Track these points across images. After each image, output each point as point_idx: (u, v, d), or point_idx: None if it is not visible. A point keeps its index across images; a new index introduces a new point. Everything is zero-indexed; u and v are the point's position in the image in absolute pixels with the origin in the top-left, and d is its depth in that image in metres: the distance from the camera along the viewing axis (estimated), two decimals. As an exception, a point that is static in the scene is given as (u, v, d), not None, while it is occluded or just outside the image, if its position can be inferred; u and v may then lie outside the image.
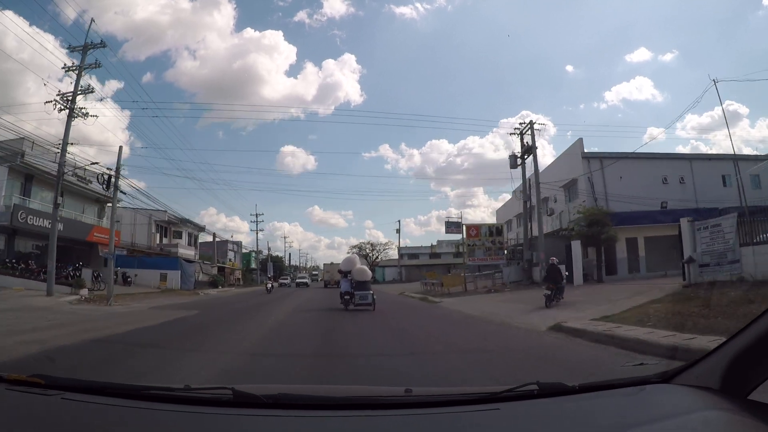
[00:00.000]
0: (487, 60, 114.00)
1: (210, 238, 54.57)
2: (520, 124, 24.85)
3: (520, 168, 25.22)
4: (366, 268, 16.09)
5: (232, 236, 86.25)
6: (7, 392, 1.58)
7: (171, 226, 42.87)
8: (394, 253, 72.79)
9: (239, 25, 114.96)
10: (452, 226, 25.92)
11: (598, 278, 21.07)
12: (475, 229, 27.72)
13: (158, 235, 40.38)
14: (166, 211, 38.86)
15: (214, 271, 41.85)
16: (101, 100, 32.10)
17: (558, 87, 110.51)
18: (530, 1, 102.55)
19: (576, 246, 20.85)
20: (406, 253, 66.88)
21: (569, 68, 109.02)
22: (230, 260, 69.46)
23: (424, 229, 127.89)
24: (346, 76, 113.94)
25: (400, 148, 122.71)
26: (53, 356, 6.18)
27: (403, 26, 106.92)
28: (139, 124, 66.28)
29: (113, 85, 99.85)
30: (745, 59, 77.34)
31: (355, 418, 1.41)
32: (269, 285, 28.93)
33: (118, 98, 77.54)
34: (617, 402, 1.52)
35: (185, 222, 42.40)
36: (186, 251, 41.21)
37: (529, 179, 24.71)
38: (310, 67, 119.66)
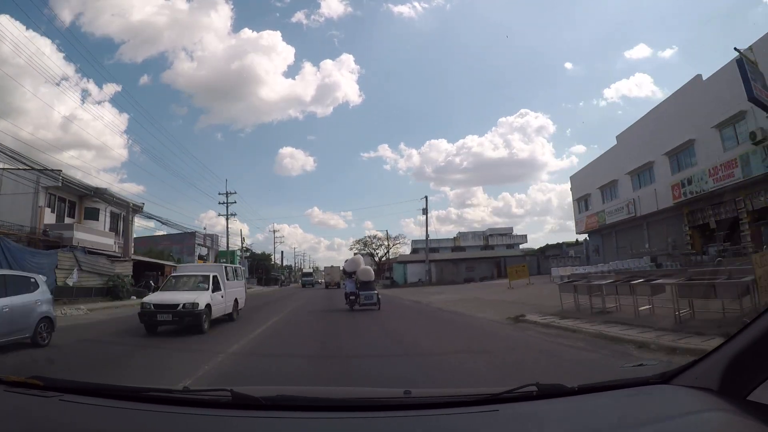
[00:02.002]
0: (486, 58, 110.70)
1: (170, 230, 40.43)
2: None
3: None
4: (370, 268, 17.10)
5: (204, 228, 71.62)
6: (6, 394, 1.54)
7: (83, 200, 28.30)
8: (404, 250, 61.63)
9: (236, 26, 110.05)
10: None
11: None
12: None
13: (53, 212, 25.71)
14: (60, 172, 24.40)
15: (125, 270, 26.28)
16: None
17: (557, 84, 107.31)
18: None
19: None
20: (423, 247, 52.69)
21: (568, 65, 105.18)
22: (200, 257, 55.59)
23: (423, 229, 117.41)
24: (344, 77, 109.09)
25: (399, 147, 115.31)
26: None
27: (401, 25, 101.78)
28: (138, 128, 55.47)
29: (111, 88, 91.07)
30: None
31: (354, 419, 1.39)
32: None
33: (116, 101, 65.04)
34: (616, 403, 1.48)
35: (102, 195, 27.65)
36: (98, 239, 26.51)
37: None
38: (308, 67, 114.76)
